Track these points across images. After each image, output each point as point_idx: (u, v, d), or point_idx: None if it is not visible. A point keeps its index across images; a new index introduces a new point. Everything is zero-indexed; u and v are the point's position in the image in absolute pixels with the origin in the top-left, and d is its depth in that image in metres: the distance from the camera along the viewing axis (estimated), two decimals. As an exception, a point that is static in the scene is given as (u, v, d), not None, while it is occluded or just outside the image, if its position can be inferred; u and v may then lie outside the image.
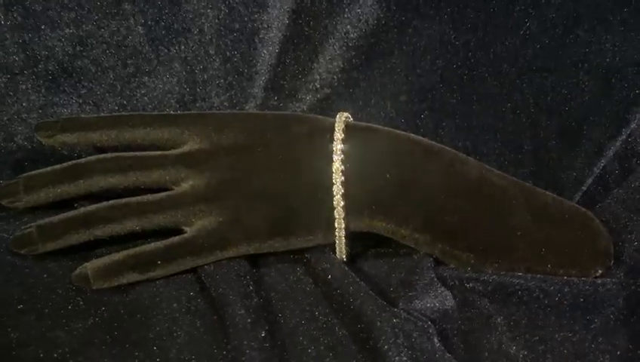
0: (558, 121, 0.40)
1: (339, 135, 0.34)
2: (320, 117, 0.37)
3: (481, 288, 0.34)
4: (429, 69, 0.41)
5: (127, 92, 0.41)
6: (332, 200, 0.34)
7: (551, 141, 0.40)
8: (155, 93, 0.42)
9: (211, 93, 0.42)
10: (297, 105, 0.43)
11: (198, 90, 0.42)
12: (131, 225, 0.35)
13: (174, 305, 0.33)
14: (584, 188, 0.39)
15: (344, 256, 0.36)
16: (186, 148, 0.36)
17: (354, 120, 0.38)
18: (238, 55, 0.42)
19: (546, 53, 0.40)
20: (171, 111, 0.42)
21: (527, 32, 0.40)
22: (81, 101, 0.41)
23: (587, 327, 0.32)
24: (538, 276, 0.34)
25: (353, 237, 0.36)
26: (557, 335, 0.32)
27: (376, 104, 0.42)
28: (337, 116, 0.35)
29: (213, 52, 0.42)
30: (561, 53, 0.39)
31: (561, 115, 0.40)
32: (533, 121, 0.40)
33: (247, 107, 0.43)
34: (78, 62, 0.40)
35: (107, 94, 0.41)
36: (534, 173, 0.40)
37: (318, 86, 0.43)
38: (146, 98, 0.42)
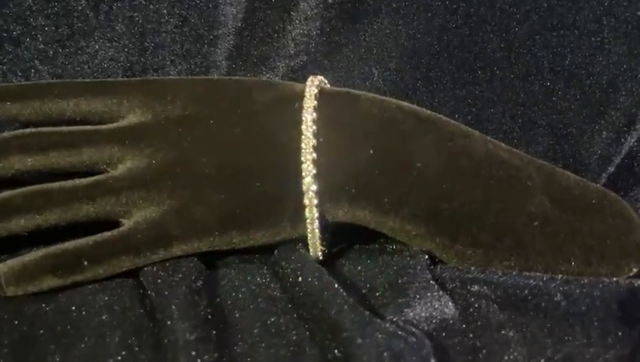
0: (578, 88, 0.34)
1: (310, 102, 0.27)
2: (288, 82, 0.30)
3: (489, 292, 0.27)
4: (424, 29, 0.35)
5: (62, 59, 0.35)
6: (301, 183, 0.27)
7: (570, 112, 0.34)
8: (96, 61, 0.35)
9: (165, 60, 0.36)
10: (268, 74, 0.37)
11: (149, 57, 0.36)
12: (54, 217, 0.28)
13: (104, 316, 0.27)
14: (611, 168, 0.33)
15: (319, 254, 0.29)
16: (123, 122, 0.30)
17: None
18: (196, 15, 0.35)
19: (562, 7, 0.34)
20: (115, 82, 0.35)
21: None
22: (4, 69, 0.34)
23: (624, 341, 0.26)
24: (560, 276, 0.27)
25: (330, 231, 0.29)
26: (585, 352, 0.25)
27: (361, 73, 0.36)
28: (308, 80, 0.29)
29: (165, 11, 0.35)
30: (581, 6, 0.34)
31: (581, 81, 0.34)
32: (549, 90, 0.35)
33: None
34: (-2, 22, 0.33)
35: (36, 61, 0.34)
36: (550, 151, 0.35)
37: (292, 52, 0.36)
38: (85, 66, 0.35)
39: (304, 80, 0.37)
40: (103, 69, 0.36)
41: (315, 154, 0.27)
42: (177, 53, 0.36)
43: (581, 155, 0.34)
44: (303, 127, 0.27)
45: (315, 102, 0.27)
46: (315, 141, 0.27)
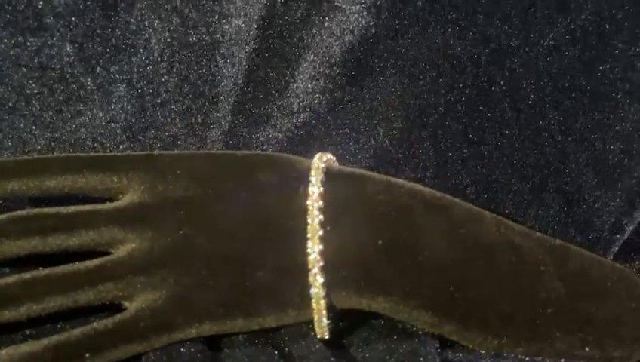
0: (590, 152, 0.33)
1: (316, 187, 0.26)
2: (293, 158, 0.29)
3: (501, 379, 0.27)
4: (430, 88, 0.34)
5: (59, 124, 0.34)
6: (307, 275, 0.26)
7: (582, 177, 0.33)
8: (95, 124, 0.34)
9: (166, 119, 0.35)
10: (271, 132, 0.35)
11: (149, 116, 0.35)
12: (54, 304, 0.27)
13: (108, 409, 0.26)
14: (623, 237, 0.32)
15: (326, 334, 0.28)
16: (123, 202, 0.29)
17: (339, 152, 0.31)
18: (195, 74, 0.34)
19: (575, 70, 0.33)
20: (118, 144, 0.34)
21: (552, 42, 0.33)
22: (0, 137, 0.33)
23: None
24: (575, 363, 0.27)
25: (337, 312, 0.28)
26: None
27: (366, 131, 0.35)
28: (315, 160, 0.28)
29: (164, 71, 0.34)
30: (594, 69, 0.33)
31: (594, 145, 0.33)
32: (560, 152, 0.33)
33: (210, 135, 0.35)
34: (-8, 91, 0.32)
35: (33, 127, 0.33)
36: (562, 215, 0.33)
37: (296, 109, 0.35)
38: (83, 130, 0.34)
39: (307, 137, 0.37)
40: (101, 132, 0.34)
41: (321, 246, 0.26)
42: (178, 111, 0.35)
43: (593, 223, 0.33)
44: (309, 218, 0.26)
45: (322, 188, 0.26)
46: (321, 231, 0.26)
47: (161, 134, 0.36)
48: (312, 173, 0.27)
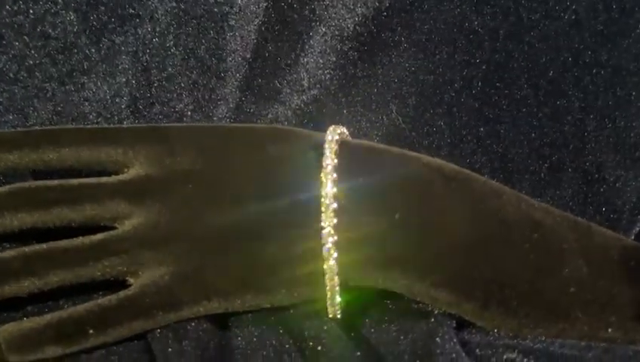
0: (612, 130, 0.32)
1: (330, 160, 0.25)
2: (305, 132, 0.28)
3: (520, 360, 0.26)
4: (446, 64, 0.33)
5: (62, 96, 0.33)
6: (321, 250, 0.25)
7: (602, 156, 0.32)
8: (99, 97, 0.33)
9: (172, 94, 0.34)
10: (280, 109, 0.34)
11: (155, 91, 0.34)
12: (56, 279, 0.26)
13: (112, 388, 0.25)
14: None
15: (338, 313, 0.27)
16: (129, 175, 0.28)
17: (351, 130, 0.30)
18: (203, 47, 0.33)
19: (597, 43, 0.32)
20: (123, 120, 0.33)
21: (573, 16, 0.32)
22: (1, 109, 0.32)
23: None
24: (597, 345, 0.26)
25: (351, 289, 0.27)
26: None
27: (378, 108, 0.34)
28: (328, 132, 0.27)
29: (171, 43, 0.33)
30: (617, 44, 0.32)
31: (615, 123, 0.32)
32: (579, 130, 0.32)
33: (217, 111, 0.34)
34: (-7, 60, 0.31)
35: (34, 100, 0.32)
36: (580, 196, 0.32)
37: (306, 85, 0.34)
38: (86, 103, 0.33)
39: (318, 114, 0.36)
40: (105, 106, 0.33)
41: (335, 220, 0.25)
42: (184, 86, 0.34)
43: (614, 203, 0.32)
44: (323, 190, 0.25)
45: (336, 160, 0.25)
46: (335, 204, 0.25)
47: (166, 110, 0.35)
48: (326, 144, 0.26)
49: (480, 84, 0.33)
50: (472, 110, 0.34)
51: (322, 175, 0.25)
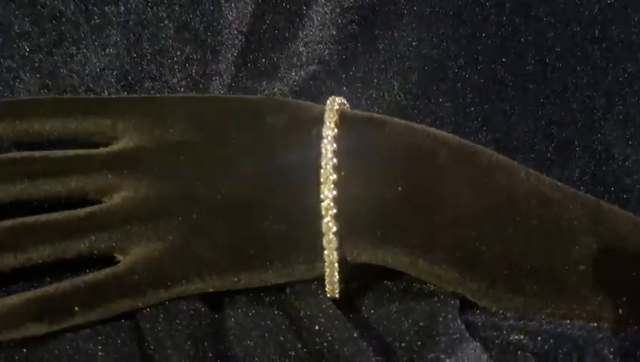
0: (621, 107, 0.31)
1: (330, 130, 0.24)
2: (304, 103, 0.27)
3: (527, 342, 0.24)
4: (450, 38, 0.32)
5: (50, 67, 0.31)
6: (320, 224, 0.24)
7: (611, 133, 0.31)
8: (88, 70, 0.32)
9: (164, 69, 0.33)
10: (277, 85, 0.33)
11: (146, 65, 0.32)
12: (41, 254, 0.25)
13: (99, 368, 0.24)
14: None
15: (337, 294, 0.26)
16: (118, 146, 0.26)
17: (351, 107, 0.29)
18: (197, 19, 0.32)
19: (606, 18, 0.31)
20: (113, 95, 0.32)
21: None
22: (-15, 79, 0.31)
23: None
24: (607, 326, 0.25)
25: (349, 268, 0.26)
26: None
27: (379, 84, 0.33)
28: (328, 102, 0.26)
29: (164, 14, 0.32)
30: (628, 17, 0.31)
31: (625, 100, 0.31)
32: (588, 107, 0.31)
33: (211, 87, 0.33)
34: (-24, 28, 0.30)
35: (21, 71, 0.31)
36: (588, 175, 0.31)
37: (304, 60, 0.33)
38: (75, 76, 0.32)
39: (316, 91, 0.35)
40: (95, 79, 0.32)
41: (335, 192, 0.24)
42: (177, 60, 0.33)
43: (623, 182, 0.31)
44: (323, 161, 0.24)
45: (336, 130, 0.24)
46: (335, 176, 0.24)
47: (158, 85, 0.34)
48: (326, 114, 0.25)
49: (485, 59, 0.32)
50: (476, 87, 0.33)
51: (322, 145, 0.24)
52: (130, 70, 0.33)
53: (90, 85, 0.33)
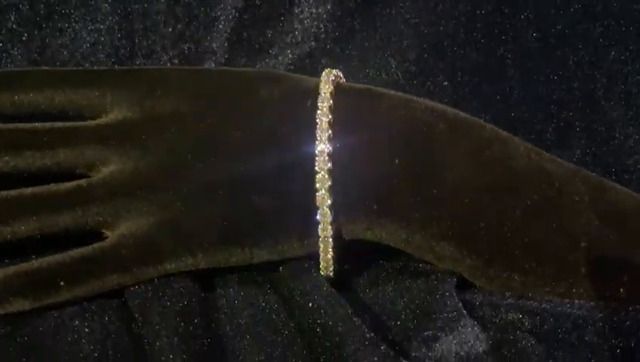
0: (623, 86, 0.31)
1: (325, 101, 0.23)
2: (298, 76, 0.26)
3: (526, 321, 0.24)
4: (449, 15, 0.31)
5: (38, 42, 0.31)
6: (314, 197, 0.23)
7: (612, 114, 0.31)
8: (77, 45, 0.31)
9: (155, 45, 0.32)
10: (271, 63, 0.33)
11: (137, 41, 0.32)
12: (25, 228, 0.24)
13: (85, 346, 0.23)
14: None
15: (331, 273, 0.25)
16: (107, 119, 0.26)
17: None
18: (190, -6, 0.31)
19: None
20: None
21: None
22: (-29, 54, 0.30)
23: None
24: (607, 305, 0.24)
25: (344, 246, 0.26)
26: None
27: (376, 63, 0.32)
28: (324, 74, 0.25)
29: (156, -11, 0.31)
30: None
31: (627, 79, 0.31)
32: (588, 88, 0.31)
33: (204, 65, 0.32)
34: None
35: (8, 45, 0.30)
36: (588, 157, 0.31)
37: (299, 38, 0.33)
38: (65, 51, 0.31)
39: (312, 70, 0.34)
40: (84, 54, 0.31)
41: (330, 164, 0.23)
42: (169, 37, 0.32)
43: (624, 162, 0.30)
44: (318, 131, 0.23)
45: (332, 101, 0.24)
46: (330, 147, 0.23)
47: (150, 62, 0.33)
48: (321, 85, 0.24)
49: (484, 37, 0.32)
50: (475, 65, 0.32)
51: (317, 116, 0.23)
52: (120, 46, 0.32)
53: (80, 61, 0.32)
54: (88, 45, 0.32)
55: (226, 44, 0.32)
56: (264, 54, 0.33)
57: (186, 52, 0.32)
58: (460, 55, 0.32)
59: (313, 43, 0.33)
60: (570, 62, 0.31)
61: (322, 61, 0.33)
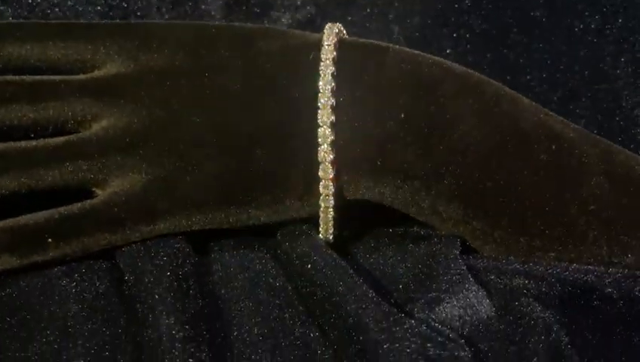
0: (630, 54, 0.30)
1: (329, 53, 0.22)
2: (299, 31, 0.25)
3: (531, 287, 0.23)
4: (453, -21, 0.31)
5: (28, 0, 0.30)
6: (315, 152, 0.22)
7: (619, 82, 0.30)
8: (69, 3, 0.30)
9: (150, 7, 0.31)
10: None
11: (132, 2, 0.31)
12: (10, 183, 0.23)
13: (73, 306, 0.22)
14: None
15: (331, 237, 0.25)
16: (99, 73, 0.25)
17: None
18: (187, -46, 0.30)
19: None
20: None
21: None
22: (-42, 9, 0.29)
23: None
24: (615, 271, 0.23)
25: (345, 207, 0.25)
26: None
27: (378, 29, 0.31)
28: (327, 27, 0.24)
29: (152, -53, 0.30)
30: None
31: (634, 47, 0.30)
32: (595, 55, 0.30)
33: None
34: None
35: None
36: (594, 126, 0.30)
37: (299, 2, 0.32)
38: (56, 9, 0.30)
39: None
40: (76, 14, 0.30)
41: (333, 117, 0.22)
42: (165, -1, 0.31)
43: (630, 132, 0.29)
44: (321, 83, 0.22)
45: (335, 53, 0.23)
46: (333, 100, 0.22)
47: (145, 24, 0.32)
48: (324, 38, 0.23)
49: (489, 3, 0.31)
50: (480, 32, 0.31)
51: (320, 68, 0.22)
52: (114, 6, 0.31)
53: (72, 19, 0.31)
54: (80, 4, 0.30)
55: (224, 7, 0.31)
56: (262, 18, 0.32)
57: (182, 14, 0.31)
58: (463, 22, 0.31)
59: (313, 7, 0.32)
60: (576, 30, 0.30)
61: (322, 27, 0.32)
